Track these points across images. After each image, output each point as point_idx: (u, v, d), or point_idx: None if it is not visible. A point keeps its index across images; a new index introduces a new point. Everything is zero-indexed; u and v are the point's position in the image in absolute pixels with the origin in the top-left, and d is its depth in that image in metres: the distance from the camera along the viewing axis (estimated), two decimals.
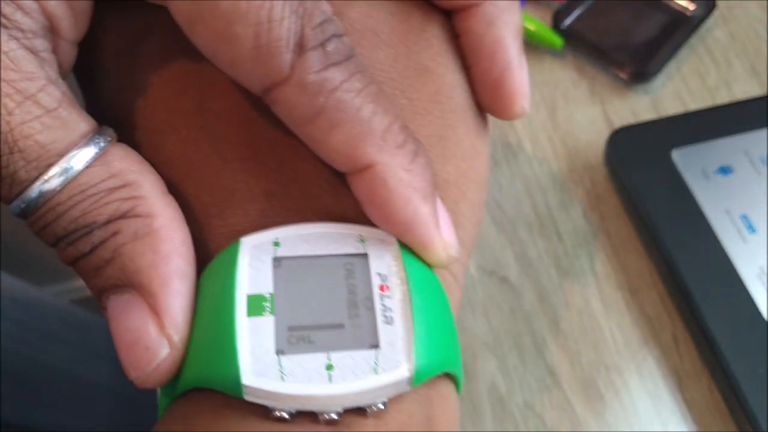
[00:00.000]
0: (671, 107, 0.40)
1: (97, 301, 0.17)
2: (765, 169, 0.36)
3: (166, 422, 0.17)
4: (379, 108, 0.17)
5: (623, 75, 0.40)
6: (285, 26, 0.16)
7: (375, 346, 0.16)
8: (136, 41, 0.20)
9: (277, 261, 0.17)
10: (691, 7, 0.42)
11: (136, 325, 0.16)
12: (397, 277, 0.17)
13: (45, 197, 0.16)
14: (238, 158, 0.19)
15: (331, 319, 0.17)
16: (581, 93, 0.41)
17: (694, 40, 0.42)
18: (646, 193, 0.35)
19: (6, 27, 0.16)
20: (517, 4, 0.21)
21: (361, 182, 0.17)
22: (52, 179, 0.16)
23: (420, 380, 0.16)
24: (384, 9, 0.20)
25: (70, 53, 0.18)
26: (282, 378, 0.16)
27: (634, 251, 0.36)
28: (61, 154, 0.16)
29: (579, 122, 0.40)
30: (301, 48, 0.16)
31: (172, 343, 0.16)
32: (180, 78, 0.19)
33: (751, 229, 0.34)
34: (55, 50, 0.18)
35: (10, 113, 0.16)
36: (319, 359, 0.16)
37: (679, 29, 0.41)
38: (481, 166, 0.21)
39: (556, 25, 0.41)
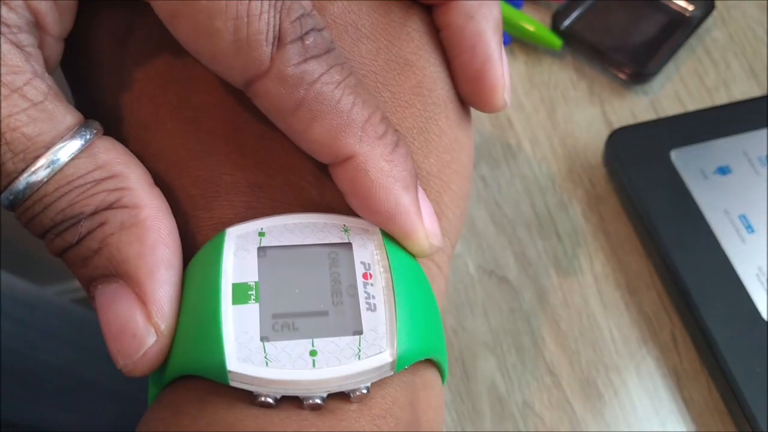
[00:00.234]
0: (670, 108, 0.40)
1: (85, 292, 0.18)
2: (764, 169, 0.36)
3: (155, 410, 0.17)
4: (358, 99, 0.17)
5: (622, 75, 0.41)
6: (264, 20, 0.16)
7: (358, 332, 0.17)
8: (122, 37, 0.20)
9: (262, 251, 0.17)
10: (690, 8, 0.42)
11: (123, 314, 0.17)
12: (381, 265, 0.18)
13: (32, 189, 0.17)
14: (224, 151, 0.19)
15: (315, 307, 0.17)
16: (580, 93, 0.41)
17: (693, 41, 0.42)
18: (645, 193, 0.35)
19: None
20: None
21: (342, 173, 0.18)
22: (38, 171, 0.17)
23: (403, 365, 0.17)
24: (365, 4, 0.20)
25: (55, 49, 0.19)
26: (267, 363, 0.16)
27: (633, 251, 0.36)
28: (48, 147, 0.17)
29: (578, 123, 0.40)
30: (280, 41, 0.17)
31: (159, 331, 0.17)
32: (165, 72, 0.20)
33: (750, 229, 0.34)
34: (40, 46, 0.18)
35: None
36: (303, 345, 0.16)
37: (678, 30, 0.41)
38: (464, 158, 0.22)
39: (555, 25, 0.42)
